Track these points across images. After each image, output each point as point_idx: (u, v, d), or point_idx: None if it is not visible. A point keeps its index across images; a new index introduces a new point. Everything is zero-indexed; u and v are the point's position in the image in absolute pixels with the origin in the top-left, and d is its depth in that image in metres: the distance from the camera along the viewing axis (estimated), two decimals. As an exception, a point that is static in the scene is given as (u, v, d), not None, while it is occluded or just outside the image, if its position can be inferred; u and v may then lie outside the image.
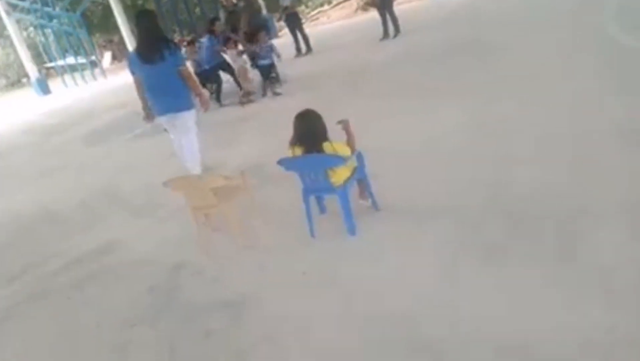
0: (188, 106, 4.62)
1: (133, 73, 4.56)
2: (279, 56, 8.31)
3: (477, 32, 8.95)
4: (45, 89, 21.23)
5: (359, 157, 3.25)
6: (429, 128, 4.71)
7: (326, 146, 3.00)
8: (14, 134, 12.69)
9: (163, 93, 4.46)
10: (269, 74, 8.37)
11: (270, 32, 9.08)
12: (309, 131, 3.06)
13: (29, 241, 4.72)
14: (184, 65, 4.60)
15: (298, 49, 12.34)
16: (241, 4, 10.44)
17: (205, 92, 4.86)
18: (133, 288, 3.30)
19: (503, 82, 5.57)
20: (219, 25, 9.28)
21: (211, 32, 8.95)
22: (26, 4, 22.91)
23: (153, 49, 4.35)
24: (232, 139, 6.33)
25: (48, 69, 28.44)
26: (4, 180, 7.74)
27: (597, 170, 3.16)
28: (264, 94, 8.27)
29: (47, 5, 22.85)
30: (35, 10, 23.20)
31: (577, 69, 5.30)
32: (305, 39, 12.29)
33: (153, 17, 4.69)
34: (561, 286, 2.23)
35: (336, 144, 3.03)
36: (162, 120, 4.73)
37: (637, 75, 4.65)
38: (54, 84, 22.90)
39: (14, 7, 22.98)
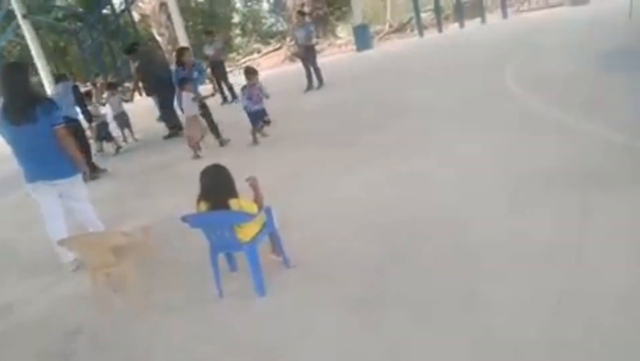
0: (69, 172, 3.96)
1: (2, 135, 3.88)
2: (267, 97, 7.59)
3: (391, 88, 9.41)
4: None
5: (268, 212, 3.19)
6: (344, 182, 4.77)
7: (233, 203, 2.93)
8: None
9: (36, 158, 3.82)
10: (261, 119, 7.49)
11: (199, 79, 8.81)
12: (215, 186, 2.98)
13: None
14: (61, 124, 3.87)
15: (224, 98, 12.33)
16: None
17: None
18: (22, 355, 2.98)
19: (412, 138, 5.76)
20: (189, 55, 8.14)
21: (180, 63, 7.87)
22: None
23: (23, 108, 3.71)
24: (149, 190, 6.10)
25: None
26: None
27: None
28: (255, 142, 7.37)
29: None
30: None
31: (478, 126, 5.64)
32: (230, 88, 12.29)
33: (23, 71, 3.98)
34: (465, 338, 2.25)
35: (243, 201, 2.97)
36: (31, 188, 3.95)
37: (534, 133, 5.00)
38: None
39: None
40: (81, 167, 4.04)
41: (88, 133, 7.83)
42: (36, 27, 22.25)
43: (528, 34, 13.59)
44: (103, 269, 3.19)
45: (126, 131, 10.04)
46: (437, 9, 20.65)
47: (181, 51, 8.20)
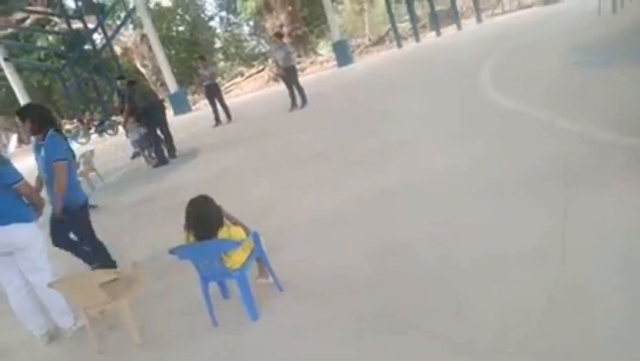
0: (26, 217, 3.42)
1: None
2: None
3: (370, 100, 9.57)
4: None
5: (256, 237, 3.24)
6: (330, 199, 4.81)
7: (222, 232, 2.97)
8: None
9: None
10: None
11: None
12: (202, 218, 3.01)
13: None
14: (20, 180, 3.39)
15: (217, 119, 12.66)
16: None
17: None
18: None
19: (393, 150, 5.81)
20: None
21: None
22: None
23: None
24: (139, 222, 6.13)
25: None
26: None
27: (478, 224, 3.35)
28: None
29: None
30: None
31: (458, 133, 5.73)
32: (226, 109, 12.68)
33: None
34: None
35: (233, 230, 3.01)
36: None
37: (512, 135, 5.10)
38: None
39: None
40: (39, 208, 3.57)
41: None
42: (19, 69, 22.37)
43: (502, 36, 13.88)
44: (96, 308, 3.21)
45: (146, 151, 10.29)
46: (413, 19, 21.00)
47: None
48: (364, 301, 2.90)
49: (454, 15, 20.29)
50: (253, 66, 29.01)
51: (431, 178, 4.54)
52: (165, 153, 9.64)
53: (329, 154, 6.50)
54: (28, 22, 24.42)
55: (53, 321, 3.60)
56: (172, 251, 3.01)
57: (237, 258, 3.04)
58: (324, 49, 27.56)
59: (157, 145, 9.55)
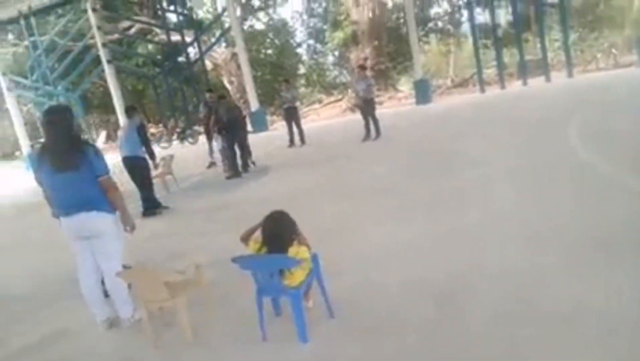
0: (107, 208, 3.61)
1: (40, 183, 3.71)
2: None
3: (446, 141, 9.40)
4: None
5: (315, 259, 3.27)
6: (398, 232, 4.76)
7: (291, 250, 3.03)
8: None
9: (71, 204, 3.52)
10: None
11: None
12: (278, 234, 3.08)
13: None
14: (107, 174, 3.61)
15: (291, 140, 12.97)
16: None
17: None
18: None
19: (466, 191, 5.75)
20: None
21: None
22: (28, 82, 23.80)
23: (64, 155, 3.47)
24: (206, 228, 6.36)
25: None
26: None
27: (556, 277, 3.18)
28: None
29: (48, 84, 23.72)
30: (37, 89, 24.05)
31: (535, 182, 5.51)
32: (301, 132, 12.97)
33: (66, 115, 3.64)
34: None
35: (301, 248, 3.06)
36: (66, 224, 3.59)
37: (592, 194, 4.83)
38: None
39: (16, 83, 23.87)
40: (127, 221, 3.76)
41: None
42: (118, 72, 24.21)
43: (594, 93, 13.26)
44: (156, 303, 3.35)
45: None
46: (500, 65, 20.59)
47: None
48: (418, 346, 2.82)
49: (543, 67, 19.71)
50: (332, 94, 29.60)
51: (501, 224, 4.40)
52: (239, 167, 10.01)
53: (399, 187, 6.48)
54: (132, 30, 26.52)
55: (115, 310, 3.78)
56: (234, 260, 3.09)
57: (297, 276, 3.07)
58: (404, 86, 27.64)
59: (232, 158, 9.93)
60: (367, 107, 11.27)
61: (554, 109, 11.21)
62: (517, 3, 20.60)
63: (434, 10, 29.94)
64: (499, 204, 5.05)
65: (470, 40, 25.92)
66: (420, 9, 27.00)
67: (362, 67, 12.14)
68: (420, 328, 2.97)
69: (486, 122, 11.10)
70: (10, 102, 23.36)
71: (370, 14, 24.70)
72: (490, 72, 23.31)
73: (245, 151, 10.29)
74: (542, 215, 4.50)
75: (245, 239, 3.21)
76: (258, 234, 3.19)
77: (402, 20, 27.57)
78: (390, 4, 27.59)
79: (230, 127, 9.91)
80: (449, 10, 29.27)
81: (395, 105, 22.42)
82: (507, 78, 20.93)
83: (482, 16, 25.16)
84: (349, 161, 9.55)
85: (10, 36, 28.42)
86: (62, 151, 3.49)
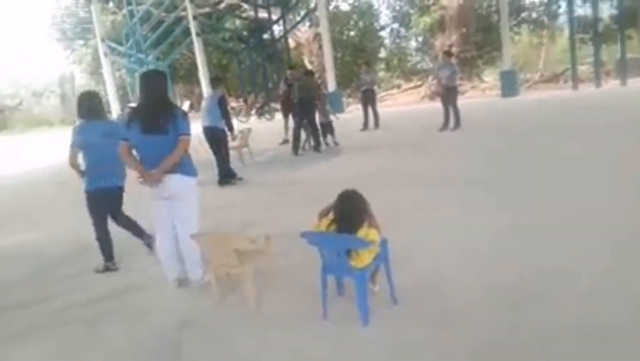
0: (190, 172, 3.78)
1: (125, 140, 3.68)
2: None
3: (532, 137, 8.85)
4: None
5: (384, 244, 3.20)
6: (472, 225, 4.58)
7: (361, 231, 2.98)
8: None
9: (157, 165, 3.60)
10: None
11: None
12: (349, 213, 3.02)
13: (49, 275, 4.79)
14: (188, 135, 3.70)
15: (365, 124, 12.98)
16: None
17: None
18: (140, 334, 3.32)
19: (548, 191, 5.42)
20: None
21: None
22: (123, 49, 25.26)
23: (156, 118, 3.59)
24: (276, 201, 6.48)
25: (131, 108, 30.65)
26: (40, 212, 8.03)
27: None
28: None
29: (141, 52, 25.04)
30: (130, 56, 25.47)
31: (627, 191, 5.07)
32: (376, 116, 12.93)
33: (162, 79, 3.80)
34: None
35: (371, 231, 3.00)
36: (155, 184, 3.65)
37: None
38: (132, 123, 24.49)
39: (112, 49, 25.42)
40: (158, 172, 3.60)
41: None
42: (205, 45, 25.06)
43: None
44: (225, 269, 3.45)
45: (329, 137, 10.84)
46: (598, 62, 19.10)
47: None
48: (484, 346, 2.69)
49: (647, 66, 18.09)
50: (412, 80, 28.95)
51: (583, 227, 4.10)
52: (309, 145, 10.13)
53: (476, 180, 6.21)
54: (222, 5, 27.26)
55: (185, 271, 3.94)
56: (303, 234, 3.09)
57: (364, 258, 3.03)
58: (490, 77, 26.48)
59: (297, 137, 10.15)
60: (449, 95, 10.89)
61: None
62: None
63: (529, 0, 28.28)
64: (582, 206, 4.72)
65: (565, 33, 24.31)
66: (515, -3, 25.60)
67: (448, 53, 11.72)
68: (490, 328, 2.83)
69: (580, 122, 10.32)
70: (105, 67, 24.97)
71: (461, 0, 23.68)
72: (584, 68, 21.69)
73: (316, 132, 10.31)
74: (628, 222, 4.13)
75: (322, 216, 3.18)
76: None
77: (493, 8, 26.35)
78: (483, -10, 26.36)
79: (302, 106, 9.96)
80: (546, 0, 27.46)
81: (479, 95, 21.57)
82: (603, 77, 19.40)
83: (581, 9, 23.44)
84: (424, 149, 9.31)
85: (110, 4, 30.18)
86: (155, 114, 3.59)
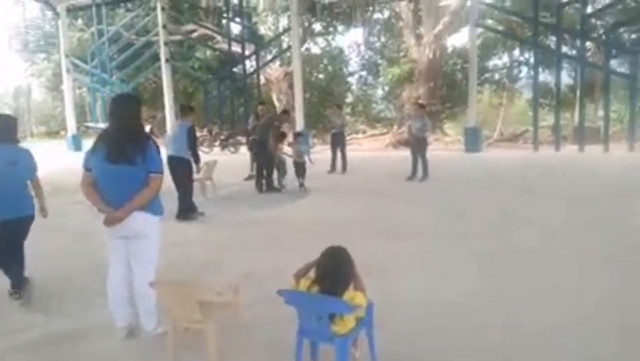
0: (157, 210, 3.41)
1: (88, 170, 3.33)
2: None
3: (500, 196, 8.90)
4: (78, 146, 22.34)
5: (369, 309, 2.88)
6: (441, 285, 4.37)
7: (346, 295, 2.66)
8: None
9: (118, 199, 3.24)
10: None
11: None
12: (334, 274, 2.70)
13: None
14: (161, 174, 3.35)
15: (333, 166, 12.80)
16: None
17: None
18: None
19: (517, 254, 5.31)
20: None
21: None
22: (87, 67, 24.49)
23: (123, 147, 3.22)
24: (238, 242, 6.08)
25: (87, 128, 29.53)
26: None
27: None
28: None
29: (105, 72, 24.34)
30: (93, 75, 24.69)
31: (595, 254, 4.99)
32: (344, 160, 12.79)
33: (134, 105, 3.43)
34: None
35: (357, 294, 2.69)
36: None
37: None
38: (88, 143, 23.54)
39: (75, 66, 24.59)
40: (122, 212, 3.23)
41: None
42: (174, 72, 24.59)
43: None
44: (185, 323, 3.02)
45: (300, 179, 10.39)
46: (558, 127, 19.88)
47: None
48: None
49: (602, 136, 18.92)
50: (375, 127, 29.34)
51: (547, 294, 3.91)
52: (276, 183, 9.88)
53: (447, 235, 6.05)
54: (195, 34, 27.07)
55: (137, 318, 3.46)
56: (280, 293, 2.73)
57: (346, 323, 2.69)
58: (450, 130, 27.19)
59: (259, 175, 10.04)
60: (418, 146, 10.90)
61: (618, 183, 10.50)
62: (585, 68, 20.05)
63: (492, 62, 29.53)
64: (548, 271, 4.61)
65: (524, 96, 25.35)
66: (480, 58, 26.65)
67: (421, 106, 11.81)
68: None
69: (545, 183, 10.46)
70: (66, 83, 24.06)
71: (431, 55, 24.44)
72: (541, 131, 22.56)
73: (271, 172, 10.10)
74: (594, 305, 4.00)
75: (299, 277, 2.83)
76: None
77: (458, 67, 27.33)
78: (450, 49, 27.34)
79: (260, 146, 9.86)
80: (508, 64, 28.79)
81: (442, 148, 21.95)
82: (561, 141, 20.19)
83: (542, 75, 24.62)
84: (392, 197, 9.18)
85: (80, 21, 29.42)
86: (124, 142, 3.25)
